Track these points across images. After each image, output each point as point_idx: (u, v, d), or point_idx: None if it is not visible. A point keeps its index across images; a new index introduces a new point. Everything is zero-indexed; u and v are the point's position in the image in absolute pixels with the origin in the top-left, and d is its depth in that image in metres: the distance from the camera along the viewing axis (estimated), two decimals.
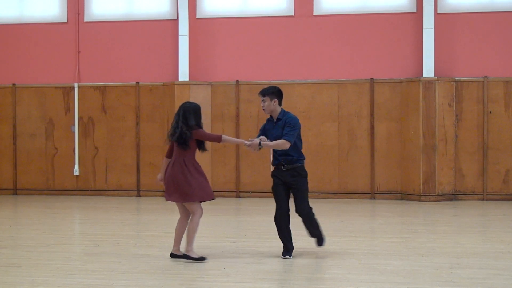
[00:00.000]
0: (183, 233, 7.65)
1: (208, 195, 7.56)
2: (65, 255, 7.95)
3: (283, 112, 7.74)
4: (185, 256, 7.56)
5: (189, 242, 7.54)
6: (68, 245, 8.72)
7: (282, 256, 7.65)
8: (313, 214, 7.76)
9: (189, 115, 7.51)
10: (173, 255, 7.68)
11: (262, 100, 7.71)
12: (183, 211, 7.66)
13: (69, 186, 14.89)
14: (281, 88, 7.82)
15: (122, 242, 8.79)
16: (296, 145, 7.68)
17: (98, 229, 10.23)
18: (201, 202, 7.58)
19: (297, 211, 7.69)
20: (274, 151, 7.76)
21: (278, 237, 8.99)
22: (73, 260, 7.73)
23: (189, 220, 7.60)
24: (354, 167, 14.04)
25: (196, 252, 7.63)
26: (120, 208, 12.74)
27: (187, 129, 7.45)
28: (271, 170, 8.01)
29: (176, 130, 7.51)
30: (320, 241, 7.88)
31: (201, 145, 7.67)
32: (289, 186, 7.73)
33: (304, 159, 7.77)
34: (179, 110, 7.61)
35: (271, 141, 7.64)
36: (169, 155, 7.66)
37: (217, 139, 7.62)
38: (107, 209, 12.66)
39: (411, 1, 14.02)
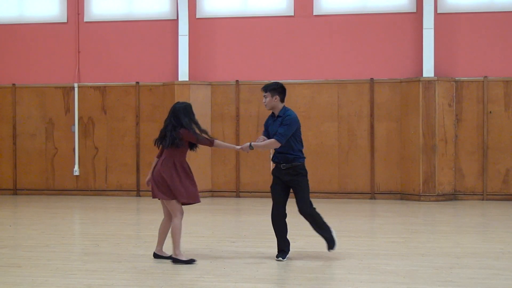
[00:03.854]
0: (166, 234, 7.63)
1: (192, 198, 7.47)
2: (65, 255, 7.95)
3: (284, 110, 7.67)
4: (174, 260, 7.46)
5: (175, 245, 7.45)
6: (68, 245, 8.71)
7: (276, 258, 7.62)
8: (316, 215, 7.65)
9: (180, 115, 7.48)
10: (156, 255, 7.67)
11: (264, 96, 7.68)
12: (167, 212, 7.64)
13: (69, 186, 14.89)
14: None
15: (122, 242, 8.79)
16: (291, 144, 7.57)
17: (98, 229, 10.23)
18: (184, 204, 7.49)
19: (299, 211, 7.66)
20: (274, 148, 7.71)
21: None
22: (73, 260, 7.73)
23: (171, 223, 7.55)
24: (354, 167, 14.04)
25: (186, 254, 7.61)
26: (120, 208, 12.74)
27: (177, 131, 7.40)
28: (271, 167, 8.01)
29: (167, 135, 7.46)
30: (329, 244, 7.68)
31: (193, 146, 7.65)
32: (288, 185, 7.68)
33: (303, 158, 7.68)
34: (169, 113, 7.58)
35: (271, 137, 7.61)
36: (160, 155, 7.64)
37: (210, 143, 7.59)
38: (107, 209, 12.66)
39: (411, 1, 14.02)
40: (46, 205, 13.39)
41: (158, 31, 14.75)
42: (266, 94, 7.66)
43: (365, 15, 14.20)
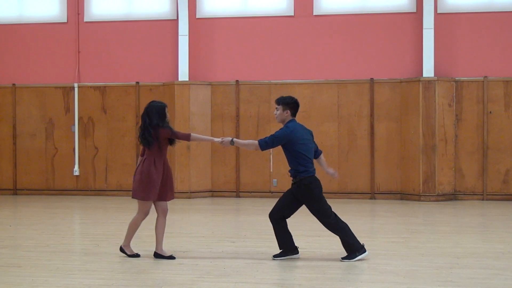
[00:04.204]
0: (163, 232, 7.79)
1: (164, 197, 7.67)
2: (65, 255, 7.95)
3: (287, 124, 7.64)
4: (121, 249, 7.80)
5: (127, 237, 7.77)
6: (68, 245, 8.71)
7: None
8: (335, 223, 7.57)
9: (152, 114, 7.61)
10: (156, 255, 7.76)
11: (276, 108, 7.68)
12: (160, 210, 7.78)
13: (69, 186, 14.89)
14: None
15: (122, 242, 8.78)
16: (289, 158, 7.59)
17: (98, 229, 10.24)
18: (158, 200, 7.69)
19: None
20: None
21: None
22: (73, 260, 7.73)
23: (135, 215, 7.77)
24: (354, 167, 14.04)
25: (132, 249, 7.83)
26: (120, 208, 12.73)
27: (150, 129, 7.56)
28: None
29: (140, 134, 7.68)
30: (348, 254, 7.56)
31: (172, 141, 7.77)
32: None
33: (306, 172, 7.59)
34: (144, 110, 7.77)
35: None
36: (143, 154, 7.75)
37: (186, 137, 7.70)
38: (107, 209, 12.66)
39: (411, 1, 14.02)
40: (46, 205, 13.39)
41: (158, 31, 14.74)
42: (278, 107, 7.66)
43: (365, 15, 14.19)
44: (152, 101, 7.84)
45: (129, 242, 7.79)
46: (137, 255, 7.74)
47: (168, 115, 7.77)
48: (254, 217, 11.54)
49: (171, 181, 7.73)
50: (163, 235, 7.77)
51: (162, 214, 7.74)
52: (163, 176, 7.62)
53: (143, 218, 7.75)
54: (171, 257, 7.68)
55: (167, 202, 7.78)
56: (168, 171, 7.72)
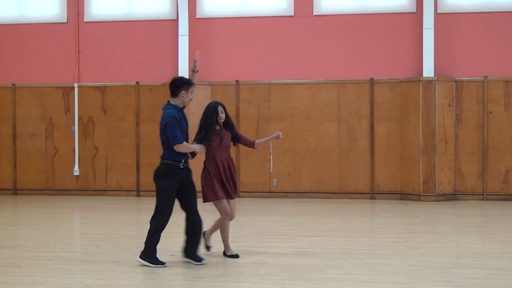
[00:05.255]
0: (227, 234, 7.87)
1: (214, 196, 7.61)
2: (65, 255, 7.95)
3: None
4: (224, 254, 7.83)
5: (223, 241, 7.80)
6: (68, 245, 8.72)
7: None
8: (154, 229, 7.28)
9: (203, 115, 7.79)
10: (224, 254, 7.90)
11: (192, 91, 7.62)
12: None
13: (69, 186, 14.89)
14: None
15: (122, 242, 8.79)
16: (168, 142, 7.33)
17: (98, 229, 10.23)
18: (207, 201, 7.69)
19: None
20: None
21: (277, 237, 9.02)
22: (73, 260, 7.73)
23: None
24: (354, 167, 14.03)
25: (232, 250, 7.89)
26: (120, 208, 12.74)
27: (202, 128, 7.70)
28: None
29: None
30: (143, 251, 7.32)
31: (235, 140, 7.85)
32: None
33: (170, 157, 7.32)
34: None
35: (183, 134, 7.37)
36: None
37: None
38: (107, 209, 12.66)
39: (411, 1, 14.02)
40: (46, 205, 13.39)
41: (158, 31, 14.75)
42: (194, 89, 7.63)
43: (365, 15, 14.19)
44: (211, 102, 7.91)
45: (228, 244, 7.80)
46: (236, 256, 7.73)
47: (220, 114, 7.69)
48: (254, 217, 11.54)
49: (233, 179, 7.73)
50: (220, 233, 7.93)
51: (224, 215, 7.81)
52: (224, 174, 7.62)
53: (227, 218, 7.72)
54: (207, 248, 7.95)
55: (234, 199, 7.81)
56: (228, 169, 7.68)
